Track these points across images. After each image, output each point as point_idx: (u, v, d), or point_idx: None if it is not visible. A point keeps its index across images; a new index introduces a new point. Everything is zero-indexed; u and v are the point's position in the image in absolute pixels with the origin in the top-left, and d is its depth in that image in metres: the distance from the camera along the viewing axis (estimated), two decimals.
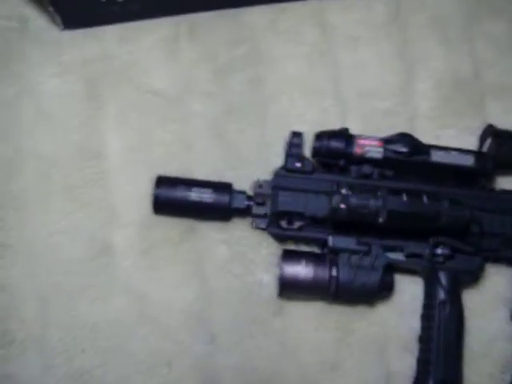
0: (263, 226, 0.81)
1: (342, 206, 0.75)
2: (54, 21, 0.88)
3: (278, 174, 0.82)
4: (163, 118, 0.87)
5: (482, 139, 0.88)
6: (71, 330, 0.79)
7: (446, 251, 0.80)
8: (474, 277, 0.82)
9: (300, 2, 0.91)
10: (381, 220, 0.76)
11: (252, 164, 0.86)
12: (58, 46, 0.88)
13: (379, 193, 0.76)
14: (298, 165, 0.81)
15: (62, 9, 0.85)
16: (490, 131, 0.86)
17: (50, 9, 0.84)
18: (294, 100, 0.89)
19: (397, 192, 0.77)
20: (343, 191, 0.76)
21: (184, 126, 0.87)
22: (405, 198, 0.77)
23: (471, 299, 0.83)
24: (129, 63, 0.89)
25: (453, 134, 0.89)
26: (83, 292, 0.80)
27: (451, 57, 0.92)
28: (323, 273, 0.78)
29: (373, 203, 0.76)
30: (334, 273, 0.78)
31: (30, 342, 0.79)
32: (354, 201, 0.76)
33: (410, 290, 0.84)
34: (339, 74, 0.90)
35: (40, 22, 0.89)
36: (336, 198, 0.76)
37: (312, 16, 0.91)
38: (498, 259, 0.83)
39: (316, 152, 0.81)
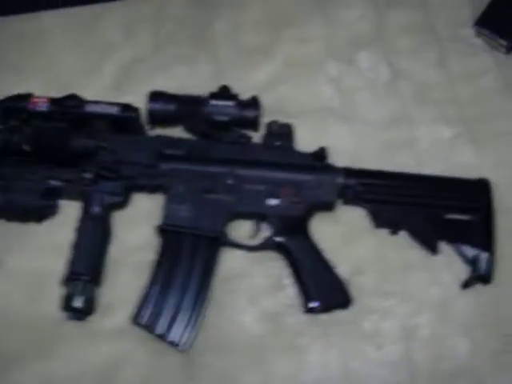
0: None
1: None
2: None
3: None
4: None
5: None
6: None
7: (91, 176, 1.04)
8: (118, 199, 1.04)
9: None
10: (26, 148, 1.02)
11: None
12: None
13: (24, 127, 1.03)
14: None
15: None
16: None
17: None
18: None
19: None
20: None
21: None
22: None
23: (124, 218, 1.06)
24: None
25: (131, 99, 1.13)
26: None
27: (133, 43, 1.20)
28: None
29: (16, 135, 1.02)
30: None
31: None
32: (2, 135, 1.02)
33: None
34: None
35: None
36: None
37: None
38: (139, 186, 1.05)
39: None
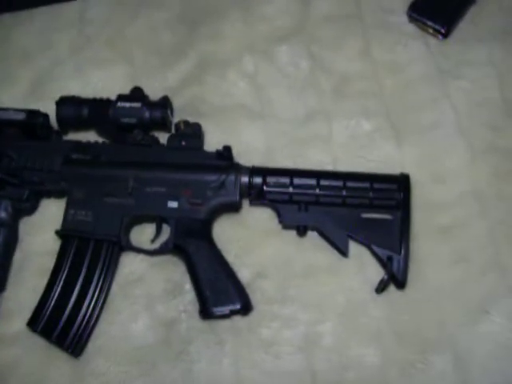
0: None
1: None
2: None
3: None
4: None
5: None
6: None
7: None
8: (24, 205, 1.04)
9: None
10: None
11: None
12: None
13: None
14: None
15: None
16: None
17: None
18: None
19: None
20: None
21: None
22: None
23: (29, 223, 1.06)
24: None
25: (48, 105, 1.10)
26: None
27: (52, 49, 1.19)
28: None
29: None
30: None
31: None
32: None
33: None
34: None
35: None
36: None
37: None
38: (44, 192, 1.05)
39: None
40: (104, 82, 1.15)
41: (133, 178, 1.01)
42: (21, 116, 1.06)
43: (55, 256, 1.01)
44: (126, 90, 1.08)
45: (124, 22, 1.19)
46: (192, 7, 1.18)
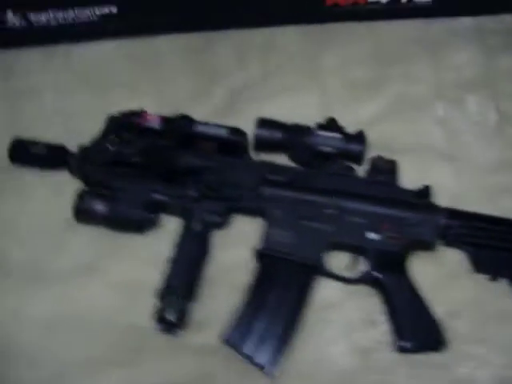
0: None
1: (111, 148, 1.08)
2: None
3: None
4: None
5: None
6: None
7: (195, 194, 1.06)
8: (219, 219, 1.06)
9: None
10: (136, 160, 1.07)
11: None
12: None
13: (136, 141, 1.08)
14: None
15: None
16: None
17: None
18: None
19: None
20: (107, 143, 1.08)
21: None
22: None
23: (222, 238, 1.08)
24: None
25: (237, 124, 1.14)
26: None
27: (243, 70, 1.24)
28: (98, 206, 1.06)
29: (128, 148, 1.07)
30: (103, 206, 1.06)
31: None
32: (116, 147, 1.08)
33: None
34: None
35: None
36: (109, 144, 1.08)
37: None
38: (240, 209, 1.07)
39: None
40: (295, 109, 1.18)
41: (333, 206, 1.04)
42: (223, 132, 1.09)
43: (245, 271, 1.04)
44: (316, 118, 1.11)
45: (315, 54, 1.23)
46: (384, 47, 1.23)
